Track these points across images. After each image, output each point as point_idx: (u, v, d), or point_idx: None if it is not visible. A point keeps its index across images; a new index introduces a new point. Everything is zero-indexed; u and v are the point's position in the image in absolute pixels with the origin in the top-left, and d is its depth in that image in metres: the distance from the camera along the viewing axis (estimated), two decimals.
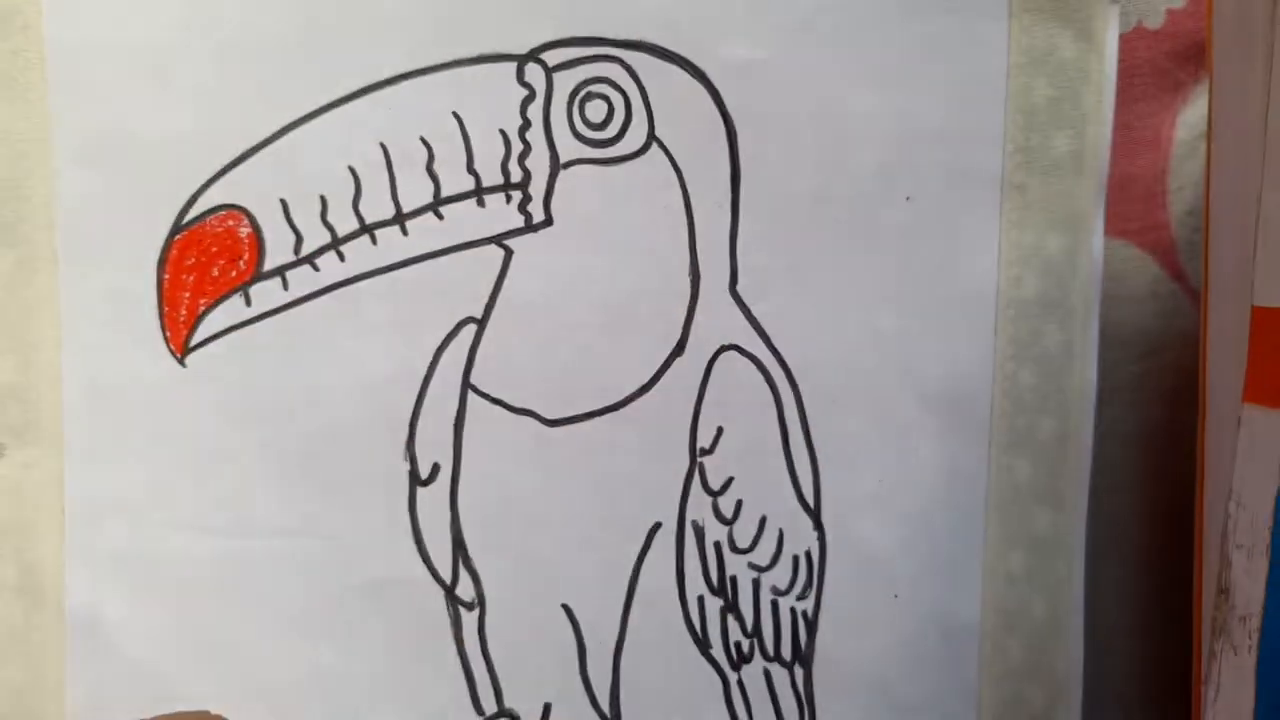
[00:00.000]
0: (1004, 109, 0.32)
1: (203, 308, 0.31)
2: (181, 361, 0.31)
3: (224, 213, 0.30)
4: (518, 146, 0.31)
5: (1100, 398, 0.33)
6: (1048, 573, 0.33)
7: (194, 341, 0.31)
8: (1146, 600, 0.35)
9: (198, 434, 0.31)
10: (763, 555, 0.32)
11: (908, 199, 0.32)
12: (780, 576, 0.32)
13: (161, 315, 0.31)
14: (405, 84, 0.31)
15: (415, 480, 0.32)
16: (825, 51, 0.32)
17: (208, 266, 0.31)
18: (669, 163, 0.32)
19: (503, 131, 0.31)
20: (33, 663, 0.30)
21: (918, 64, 0.32)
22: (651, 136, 0.31)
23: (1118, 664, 0.35)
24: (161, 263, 0.30)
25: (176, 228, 0.30)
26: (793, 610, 0.33)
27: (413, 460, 0.31)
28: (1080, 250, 0.32)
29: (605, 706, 0.32)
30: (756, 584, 0.32)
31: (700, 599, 0.32)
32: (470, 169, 0.31)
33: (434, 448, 0.32)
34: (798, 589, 0.32)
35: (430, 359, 0.31)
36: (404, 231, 0.31)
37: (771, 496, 0.32)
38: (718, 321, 0.32)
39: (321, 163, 0.30)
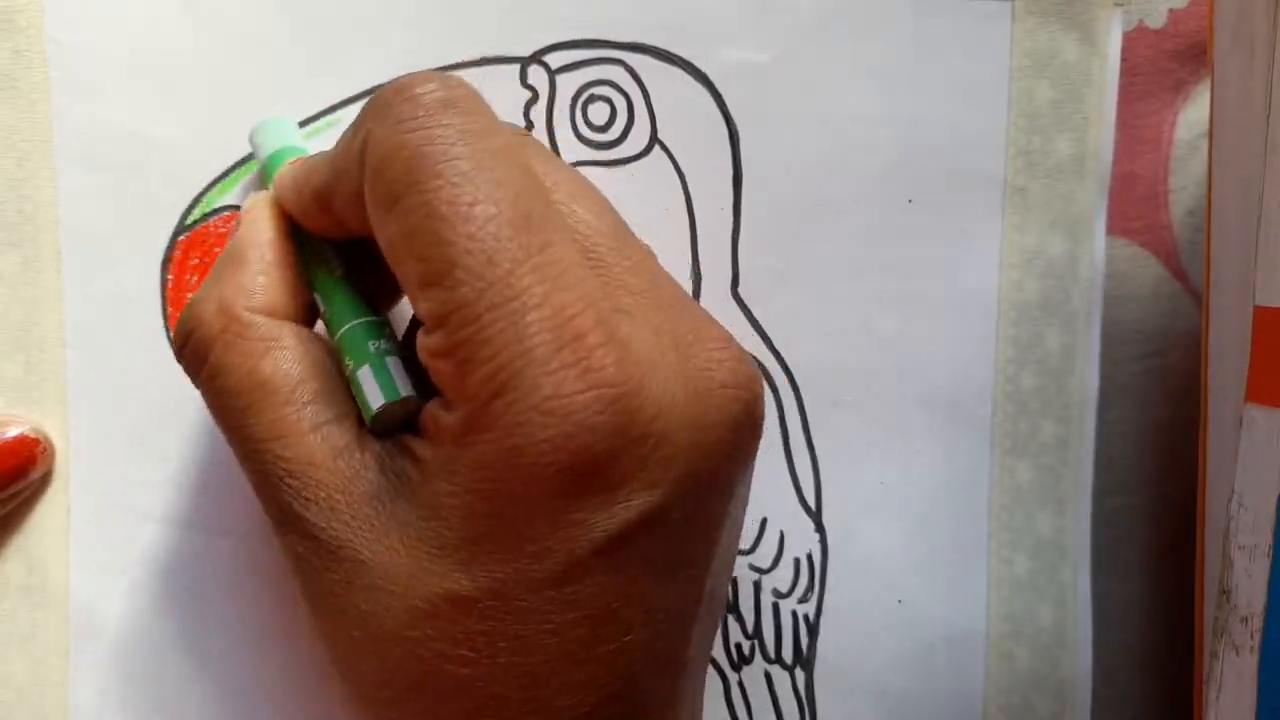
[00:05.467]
0: (1006, 112, 0.32)
1: None
2: None
3: (228, 213, 0.31)
4: None
5: (1103, 399, 0.33)
6: (1053, 578, 0.33)
7: None
8: (1153, 603, 0.35)
9: (202, 433, 0.31)
10: (764, 557, 0.32)
11: (910, 202, 0.32)
12: (782, 579, 0.32)
13: (165, 315, 0.31)
14: None
15: None
16: (828, 54, 0.32)
17: (211, 267, 0.31)
18: (671, 165, 0.32)
19: None
20: (37, 660, 0.31)
21: (921, 67, 0.32)
22: (654, 139, 0.31)
23: (1125, 669, 0.35)
24: (165, 263, 0.31)
25: (180, 228, 0.31)
26: (794, 613, 0.32)
27: None
28: (1082, 253, 0.32)
29: None
30: (757, 586, 0.32)
31: None
32: None
33: None
34: (799, 592, 0.32)
35: None
36: None
37: (773, 498, 0.32)
38: None
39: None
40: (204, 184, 0.31)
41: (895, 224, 0.32)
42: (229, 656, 0.31)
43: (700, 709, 0.27)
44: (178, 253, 0.31)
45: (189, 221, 0.31)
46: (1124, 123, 0.33)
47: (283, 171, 0.28)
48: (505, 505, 0.22)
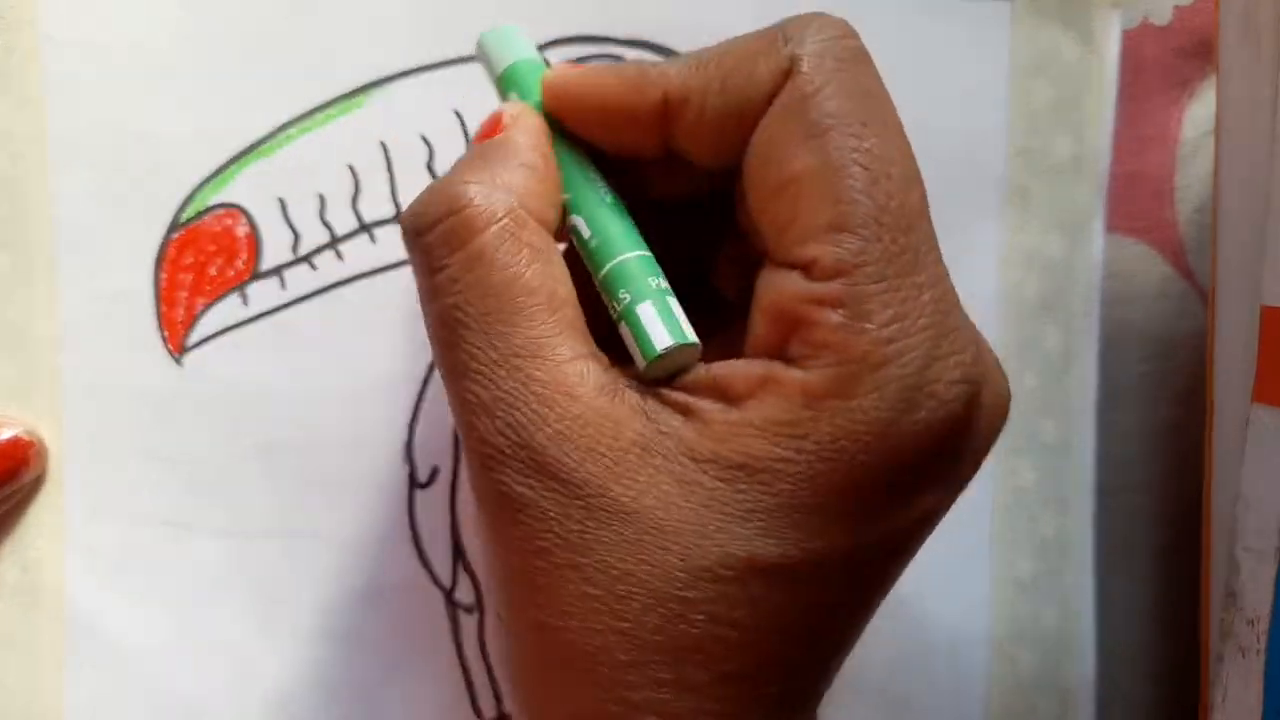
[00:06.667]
0: (1007, 112, 0.32)
1: (200, 307, 0.31)
2: (179, 361, 0.31)
3: (221, 211, 0.30)
4: None
5: (1109, 398, 0.32)
6: (1057, 579, 0.32)
7: (191, 341, 0.31)
8: (1158, 605, 0.35)
9: (196, 434, 0.31)
10: None
11: None
12: None
13: (159, 315, 0.31)
14: (405, 81, 0.31)
15: (414, 483, 0.31)
16: None
17: (205, 266, 0.31)
18: None
19: None
20: (31, 663, 0.30)
21: (921, 67, 0.32)
22: None
23: (1129, 672, 0.34)
24: (159, 262, 0.30)
25: (174, 226, 0.30)
26: None
27: (411, 463, 0.31)
28: (1082, 253, 0.32)
29: None
30: None
31: None
32: None
33: (433, 450, 0.31)
34: None
35: (429, 360, 0.31)
36: None
37: None
38: None
39: (320, 161, 0.30)
40: (197, 181, 0.30)
41: None
42: (224, 658, 0.31)
43: None
44: (171, 251, 0.30)
45: (183, 219, 0.30)
46: (1129, 120, 0.33)
47: (580, 73, 0.25)
48: (856, 479, 0.21)
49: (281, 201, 0.30)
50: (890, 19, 0.31)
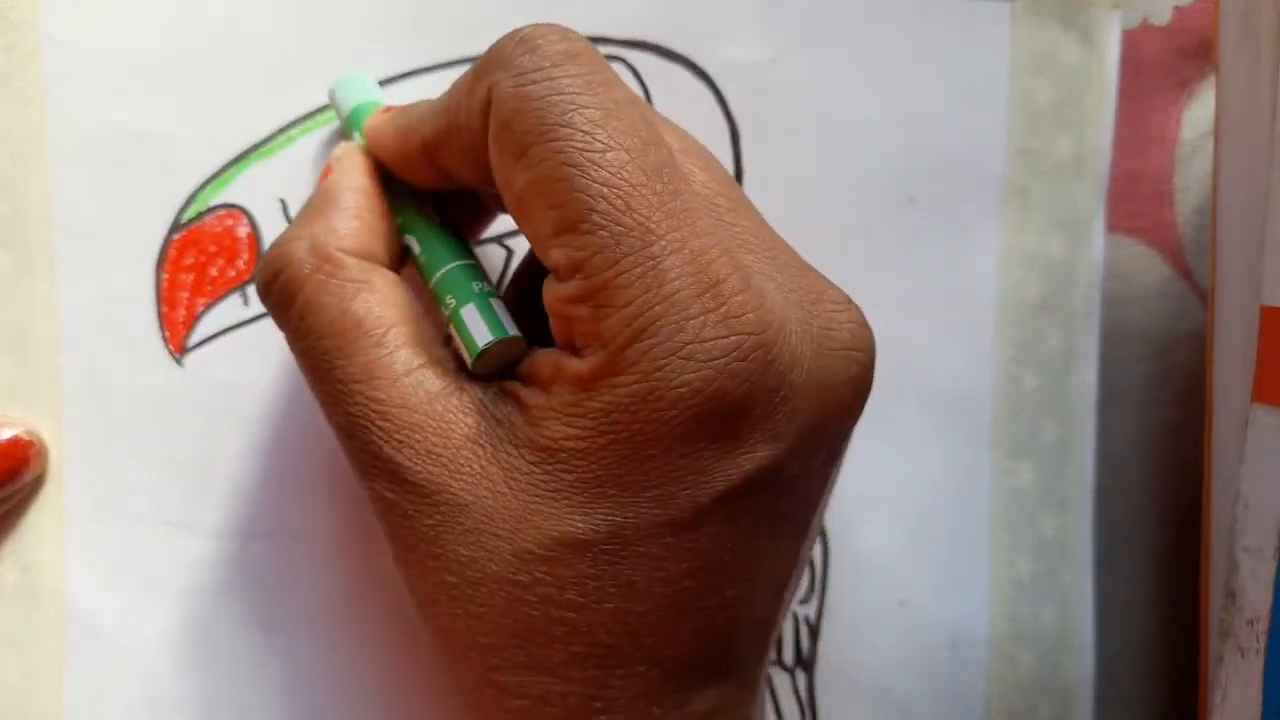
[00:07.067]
0: (1006, 112, 0.32)
1: (201, 308, 0.31)
2: (180, 361, 0.31)
3: (222, 212, 0.30)
4: None
5: (1108, 399, 0.32)
6: (1056, 579, 0.32)
7: (192, 342, 0.31)
8: (1157, 605, 0.35)
9: (196, 434, 0.31)
10: None
11: (910, 201, 0.32)
12: None
13: (160, 315, 0.31)
14: (406, 82, 0.31)
15: None
16: (829, 53, 0.31)
17: (206, 266, 0.30)
18: None
19: None
20: (31, 664, 0.30)
21: (921, 67, 0.32)
22: None
23: (1129, 672, 0.34)
24: (160, 262, 0.30)
25: (175, 227, 0.30)
26: (795, 615, 0.32)
27: None
28: (1082, 253, 0.32)
29: None
30: None
31: None
32: None
33: None
34: (800, 593, 0.32)
35: None
36: None
37: None
38: None
39: (321, 162, 0.30)
40: (198, 182, 0.30)
41: (895, 224, 0.32)
42: (223, 658, 0.31)
43: (767, 673, 0.27)
44: (172, 251, 0.30)
45: (183, 220, 0.30)
46: (1129, 120, 0.33)
47: (378, 121, 0.28)
48: (635, 449, 0.22)
49: (283, 202, 0.30)
50: (890, 18, 0.31)
